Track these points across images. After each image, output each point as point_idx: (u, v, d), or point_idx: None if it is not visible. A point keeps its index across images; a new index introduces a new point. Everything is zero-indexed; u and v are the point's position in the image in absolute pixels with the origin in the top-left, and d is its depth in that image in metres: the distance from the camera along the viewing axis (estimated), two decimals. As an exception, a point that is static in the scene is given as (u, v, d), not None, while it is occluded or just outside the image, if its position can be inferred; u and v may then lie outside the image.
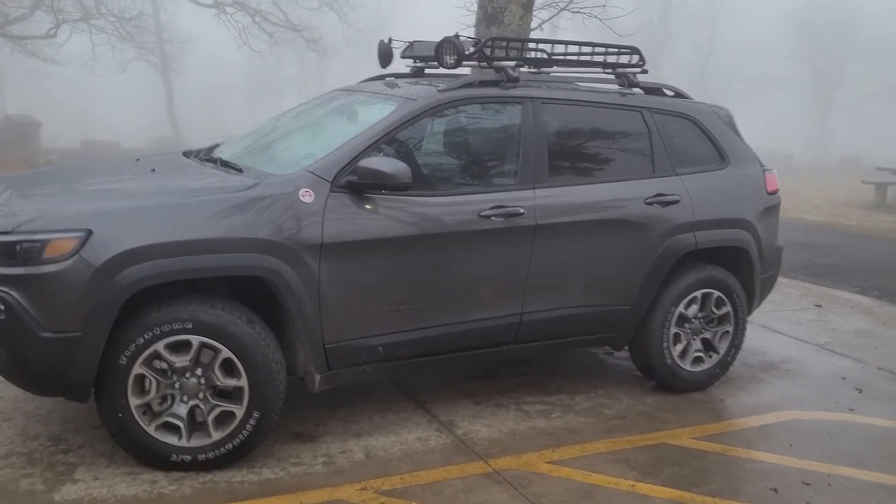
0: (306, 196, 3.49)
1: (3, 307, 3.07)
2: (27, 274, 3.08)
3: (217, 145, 4.65)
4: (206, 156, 4.34)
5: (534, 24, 7.84)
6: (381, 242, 3.65)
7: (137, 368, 3.25)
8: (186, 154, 4.48)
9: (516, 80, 4.18)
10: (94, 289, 3.09)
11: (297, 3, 25.29)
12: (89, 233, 3.11)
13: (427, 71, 4.81)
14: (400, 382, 4.52)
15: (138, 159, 4.38)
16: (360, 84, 4.83)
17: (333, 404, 4.13)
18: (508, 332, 4.10)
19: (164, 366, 3.30)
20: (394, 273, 3.72)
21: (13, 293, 3.07)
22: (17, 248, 3.08)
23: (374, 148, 3.70)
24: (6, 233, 3.10)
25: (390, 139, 3.80)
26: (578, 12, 8.87)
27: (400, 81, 4.62)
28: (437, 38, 4.17)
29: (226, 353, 3.33)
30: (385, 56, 4.77)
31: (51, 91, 37.55)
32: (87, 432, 3.71)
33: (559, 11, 8.85)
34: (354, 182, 3.57)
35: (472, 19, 7.78)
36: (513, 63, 4.27)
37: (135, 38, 28.21)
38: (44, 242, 3.08)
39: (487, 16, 7.28)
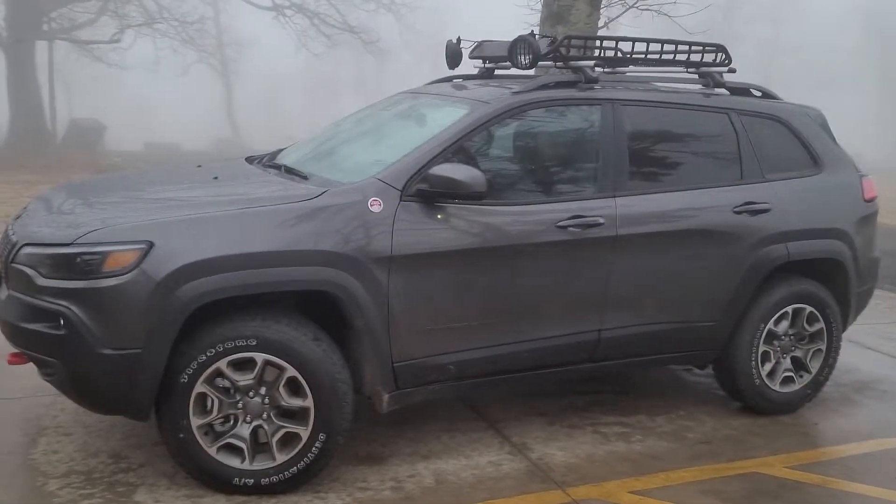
0: (375, 205, 3.30)
1: (62, 322, 2.95)
2: (87, 288, 2.95)
3: (280, 150, 4.50)
4: (270, 162, 4.19)
5: (600, 21, 7.58)
6: (452, 254, 3.43)
7: (199, 387, 3.10)
8: (249, 160, 4.33)
9: (595, 80, 3.93)
10: (156, 304, 2.95)
11: (355, 6, 25.28)
12: (150, 245, 2.97)
13: (496, 72, 4.58)
14: (468, 399, 4.29)
15: (200, 166, 4.26)
16: (426, 86, 4.63)
17: (399, 422, 3.93)
18: (586, 350, 3.85)
19: (227, 384, 3.14)
20: (466, 287, 3.51)
21: (73, 308, 2.94)
22: (77, 260, 2.95)
23: (445, 154, 3.49)
24: (66, 245, 2.98)
25: (462, 145, 3.58)
26: (647, 9, 8.53)
27: (468, 83, 4.41)
28: (498, 38, 3.96)
29: (291, 371, 3.15)
30: (454, 57, 4.56)
31: (115, 95, 38.44)
32: (147, 449, 3.58)
33: (627, 9, 8.54)
34: (425, 190, 3.36)
35: (534, 18, 7.55)
36: (592, 63, 4.00)
37: (196, 42, 28.59)
38: (104, 255, 2.95)
39: (552, 14, 7.03)
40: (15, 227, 3.39)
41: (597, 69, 4.09)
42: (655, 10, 8.48)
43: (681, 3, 8.91)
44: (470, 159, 3.59)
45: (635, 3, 8.54)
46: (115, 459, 3.49)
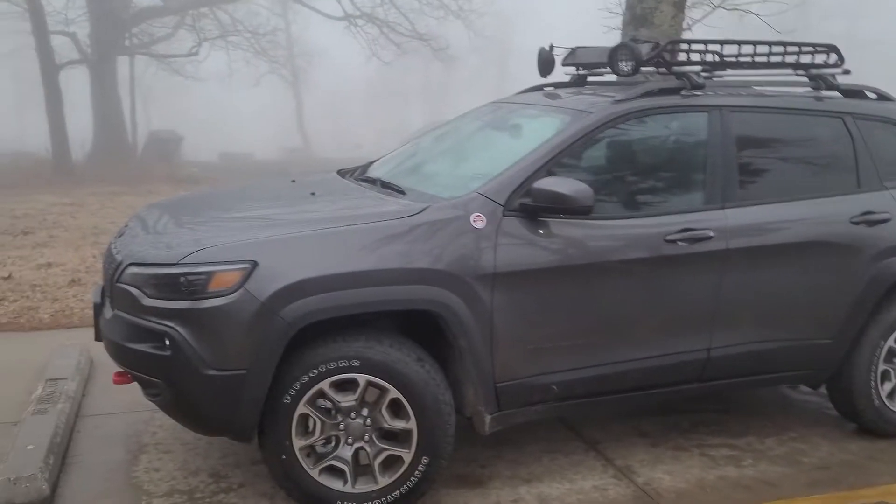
0: (478, 221, 3.19)
1: (167, 342, 2.93)
2: (191, 308, 2.92)
3: (371, 163, 4.45)
4: (363, 175, 4.13)
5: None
6: (557, 271, 3.30)
7: (302, 408, 3.04)
8: (341, 173, 4.29)
9: (701, 86, 3.74)
10: (260, 324, 2.90)
11: (424, 13, 25.34)
12: (254, 265, 2.92)
13: (590, 79, 4.42)
14: (567, 419, 4.14)
15: (294, 181, 4.22)
16: (517, 96, 4.51)
17: (499, 443, 3.80)
18: (694, 369, 3.66)
19: (329, 405, 3.08)
20: (571, 304, 3.37)
21: (178, 328, 2.92)
22: (182, 280, 2.93)
23: (547, 167, 3.36)
24: (171, 265, 2.96)
25: (564, 157, 3.44)
26: (735, 9, 8.24)
27: (561, 92, 4.27)
28: (587, 45, 3.82)
29: (394, 393, 3.07)
30: (546, 64, 4.42)
31: (191, 106, 39.50)
32: (246, 468, 3.55)
33: (713, 9, 8.27)
34: (528, 205, 3.24)
35: (615, 21, 7.37)
36: (698, 68, 3.82)
37: (268, 53, 29.12)
38: (209, 275, 2.92)
39: (636, 17, 6.80)
40: (118, 245, 3.40)
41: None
42: (744, 10, 8.17)
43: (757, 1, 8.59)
44: (573, 172, 3.45)
45: (721, 3, 8.26)
46: (215, 479, 3.47)
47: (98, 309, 3.43)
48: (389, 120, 46.20)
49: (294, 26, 35.51)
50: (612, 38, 7.05)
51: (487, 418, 3.31)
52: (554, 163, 3.38)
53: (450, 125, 4.58)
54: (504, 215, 3.24)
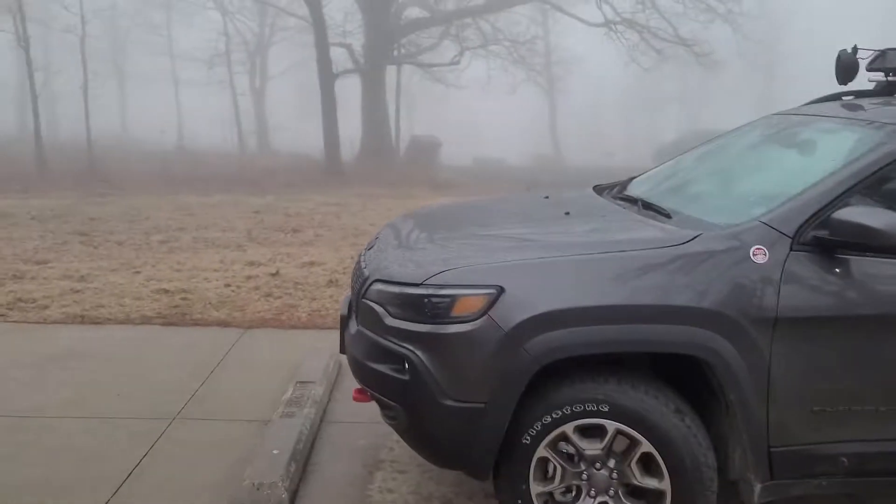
0: (758, 255, 2.71)
1: (406, 366, 2.79)
2: (433, 333, 2.75)
3: (631, 179, 4.07)
4: (621, 193, 3.77)
5: None
6: (856, 320, 2.72)
7: (541, 451, 2.76)
8: (598, 189, 3.96)
9: None
10: (502, 356, 2.66)
11: (689, 17, 24.14)
12: (500, 290, 2.69)
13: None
14: (859, 497, 3.47)
15: (547, 196, 3.97)
16: (808, 107, 3.88)
17: None
18: None
19: (572, 451, 2.77)
20: (872, 361, 2.76)
21: (418, 352, 2.77)
22: (425, 302, 2.77)
23: (851, 193, 2.78)
24: (415, 284, 2.82)
25: (873, 182, 2.84)
26: None
27: (865, 102, 3.59)
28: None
29: (646, 446, 2.69)
30: (848, 70, 3.75)
31: (449, 113, 41.13)
32: (479, 501, 3.35)
33: None
34: (824, 239, 2.70)
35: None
36: None
37: (526, 61, 29.44)
38: (452, 298, 2.73)
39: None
40: (368, 258, 3.35)
41: None
42: None
43: None
44: (884, 200, 2.84)
45: None
46: (448, 508, 3.30)
47: (344, 321, 3.41)
48: (644, 128, 44.93)
49: (552, 34, 35.62)
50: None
51: (757, 487, 2.81)
52: (859, 189, 2.80)
53: (722, 139, 4.07)
54: (792, 249, 2.72)
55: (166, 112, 35.45)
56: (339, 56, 23.29)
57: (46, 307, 6.04)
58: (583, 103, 43.42)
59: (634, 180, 4.02)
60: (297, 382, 4.34)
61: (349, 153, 23.03)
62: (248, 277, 7.20)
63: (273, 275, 7.30)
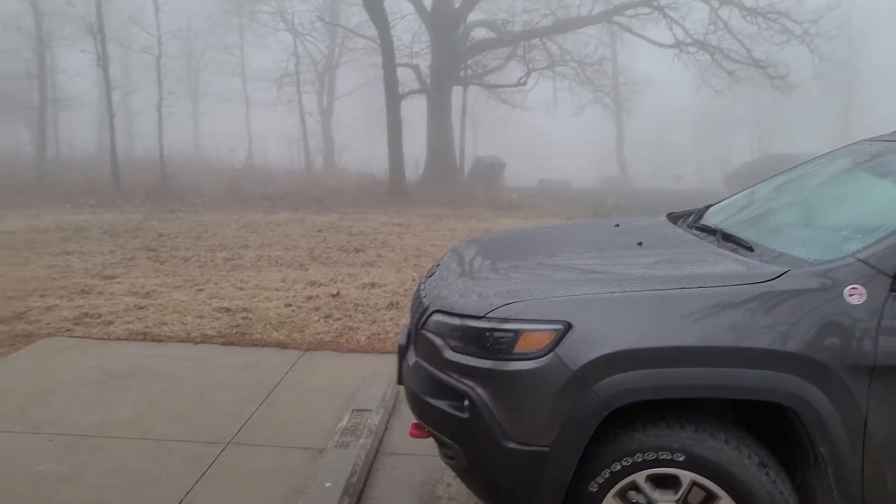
0: (854, 295, 2.48)
1: (466, 403, 2.63)
2: (494, 369, 2.59)
3: (707, 207, 3.84)
4: (698, 223, 3.55)
5: None
6: (967, 370, 2.46)
7: (609, 500, 2.57)
8: (672, 218, 3.75)
9: None
10: (569, 397, 2.48)
11: (762, 38, 23.53)
12: (568, 326, 2.52)
13: None
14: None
15: (618, 225, 3.77)
16: (902, 132, 3.61)
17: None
18: None
19: (643, 502, 2.57)
20: None
21: (478, 389, 2.61)
22: (487, 336, 2.61)
23: (960, 229, 2.53)
24: (476, 317, 2.67)
25: None
26: None
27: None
28: None
29: (726, 501, 2.47)
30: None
31: (513, 134, 41.00)
32: (540, 547, 3.15)
33: None
34: (930, 279, 2.46)
35: None
36: None
37: (593, 82, 29.16)
38: (516, 333, 2.57)
39: None
40: (428, 287, 3.21)
41: None
42: None
43: None
44: None
45: None
46: (506, 553, 3.11)
47: (403, 351, 3.27)
48: (714, 152, 43.97)
49: (621, 55, 35.25)
50: None
51: (849, 550, 2.55)
52: (969, 224, 2.54)
53: (806, 166, 3.81)
54: (892, 290, 2.48)
55: (237, 130, 36.26)
56: (405, 76, 23.43)
57: (111, 323, 6.09)
58: (651, 125, 42.77)
59: (711, 209, 3.80)
60: (353, 410, 4.22)
61: (413, 173, 23.07)
62: (309, 298, 7.16)
63: (334, 296, 7.24)
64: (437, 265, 3.50)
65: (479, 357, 2.63)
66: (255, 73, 34.84)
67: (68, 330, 5.89)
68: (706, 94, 27.63)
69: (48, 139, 26.09)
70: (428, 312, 2.91)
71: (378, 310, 6.80)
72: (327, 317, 6.50)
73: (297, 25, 29.55)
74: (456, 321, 2.74)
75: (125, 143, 33.57)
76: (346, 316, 6.55)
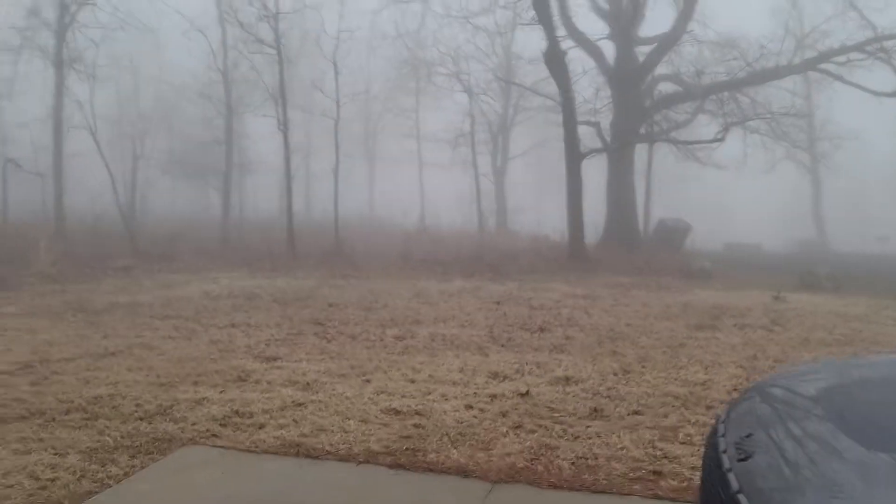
0: None
1: None
2: None
3: None
4: None
5: None
6: None
7: None
8: None
9: None
10: None
11: None
12: None
13: None
14: None
15: None
16: None
17: None
18: None
19: None
20: None
21: None
22: None
23: None
24: None
25: None
26: None
27: None
28: None
29: None
30: None
31: (697, 193, 38.50)
32: None
33: None
34: None
35: None
36: None
37: (789, 137, 26.64)
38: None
39: None
40: (738, 471, 1.83)
41: None
42: None
43: None
44: None
45: None
46: None
47: None
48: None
49: (820, 108, 32.17)
50: None
51: None
52: None
53: None
54: None
55: (410, 192, 36.44)
56: (583, 134, 22.20)
57: (262, 426, 5.12)
58: (854, 182, 38.82)
59: None
60: None
61: (591, 236, 21.59)
62: (493, 397, 5.91)
63: (522, 395, 5.95)
64: (749, 434, 2.10)
65: None
66: (430, 133, 34.97)
67: (213, 435, 4.96)
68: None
69: (233, 203, 27.03)
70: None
71: (579, 418, 5.43)
72: (517, 427, 5.19)
73: (472, 85, 29.26)
74: None
75: (303, 206, 34.54)
76: (539, 427, 5.21)
